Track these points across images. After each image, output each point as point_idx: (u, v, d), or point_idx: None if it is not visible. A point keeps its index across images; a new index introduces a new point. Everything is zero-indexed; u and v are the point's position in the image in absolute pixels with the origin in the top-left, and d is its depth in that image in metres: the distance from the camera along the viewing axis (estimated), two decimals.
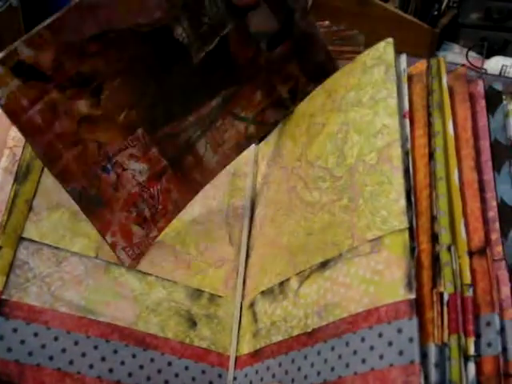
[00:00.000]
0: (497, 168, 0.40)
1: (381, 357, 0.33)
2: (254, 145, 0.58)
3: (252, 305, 0.46)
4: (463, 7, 1.11)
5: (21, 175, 0.44)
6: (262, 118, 0.52)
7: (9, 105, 0.37)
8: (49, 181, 0.44)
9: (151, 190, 0.46)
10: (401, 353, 0.32)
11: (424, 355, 0.32)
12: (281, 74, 0.52)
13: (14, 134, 0.47)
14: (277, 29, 0.50)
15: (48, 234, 0.43)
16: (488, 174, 0.40)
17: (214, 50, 0.47)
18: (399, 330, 0.33)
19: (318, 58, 0.53)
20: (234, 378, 0.43)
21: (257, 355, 0.43)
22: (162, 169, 0.46)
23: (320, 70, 0.53)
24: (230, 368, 0.44)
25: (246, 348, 0.44)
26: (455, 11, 1.12)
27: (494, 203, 0.38)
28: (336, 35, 0.77)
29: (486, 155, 0.40)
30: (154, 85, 0.44)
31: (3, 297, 0.39)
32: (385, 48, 0.44)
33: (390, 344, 0.33)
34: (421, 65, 0.43)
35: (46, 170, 0.45)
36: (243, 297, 0.48)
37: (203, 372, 0.43)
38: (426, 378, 0.31)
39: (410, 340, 0.32)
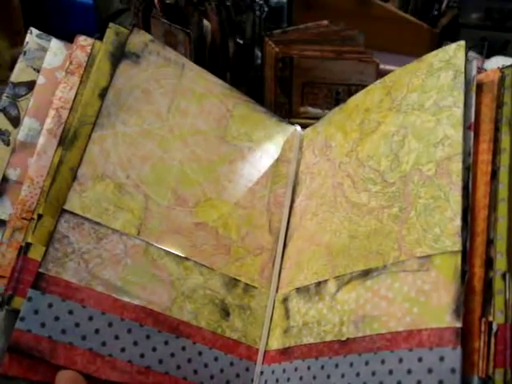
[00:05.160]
0: None
1: (418, 382, 0.32)
2: (299, 130, 0.56)
3: (285, 300, 0.45)
4: (463, 7, 1.10)
5: (67, 141, 0.43)
6: None
7: None
8: (96, 149, 0.43)
9: None
10: (441, 382, 0.31)
11: None
12: None
13: (61, 95, 0.46)
14: None
15: (90, 207, 0.42)
16: None
17: None
18: (441, 358, 0.31)
19: None
20: (261, 373, 0.43)
21: (286, 353, 0.42)
22: None
23: None
24: (258, 361, 0.44)
25: (276, 343, 0.44)
26: (455, 11, 1.11)
27: None
28: (336, 35, 0.77)
29: None
30: None
31: (41, 270, 0.39)
32: (455, 51, 0.41)
33: (430, 371, 0.32)
34: (493, 73, 0.40)
35: (92, 137, 0.44)
36: (277, 289, 0.47)
37: (231, 364, 0.43)
38: None
39: (452, 371, 0.31)
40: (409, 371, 0.33)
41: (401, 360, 0.33)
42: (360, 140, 0.46)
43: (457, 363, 0.31)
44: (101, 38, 0.48)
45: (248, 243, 0.48)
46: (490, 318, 0.33)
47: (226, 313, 0.44)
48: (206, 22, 0.70)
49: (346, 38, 0.76)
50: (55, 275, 0.39)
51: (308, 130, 0.55)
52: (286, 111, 0.67)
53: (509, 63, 0.91)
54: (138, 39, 0.49)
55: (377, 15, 1.06)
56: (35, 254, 0.39)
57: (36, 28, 0.50)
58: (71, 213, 0.41)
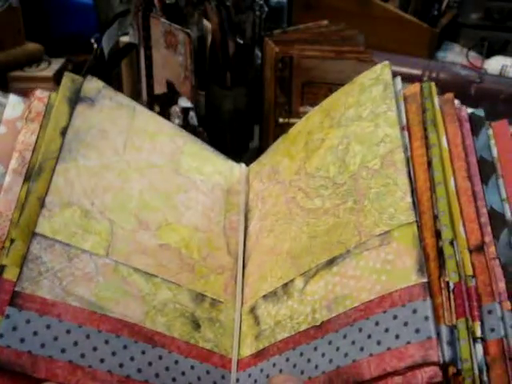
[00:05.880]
0: (485, 181, 0.44)
1: (397, 336, 0.35)
2: (244, 166, 0.61)
3: (253, 309, 0.47)
4: (463, 7, 1.13)
5: (33, 174, 0.45)
6: None
7: None
8: (60, 180, 0.45)
9: None
10: (417, 331, 0.34)
11: (437, 334, 0.34)
12: None
13: (23, 139, 0.48)
14: None
15: (60, 231, 0.43)
16: (477, 186, 0.43)
17: None
18: (414, 311, 0.35)
19: None
20: (237, 380, 0.44)
21: (260, 355, 0.44)
22: None
23: None
24: (233, 370, 0.45)
25: (248, 350, 0.45)
26: (455, 11, 1.14)
27: (485, 210, 0.42)
28: (336, 35, 0.79)
29: (474, 170, 0.44)
30: None
31: (16, 289, 0.39)
32: (382, 70, 0.48)
33: (406, 324, 0.35)
34: (414, 87, 0.48)
35: (57, 169, 0.46)
36: (242, 303, 0.49)
37: (208, 372, 0.44)
38: (442, 353, 0.33)
39: (426, 318, 0.34)
40: (386, 330, 0.36)
41: (377, 323, 0.36)
42: (307, 158, 0.51)
43: (428, 311, 0.34)
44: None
45: (210, 263, 0.50)
46: (447, 279, 0.37)
47: (196, 325, 0.45)
48: (206, 21, 0.71)
49: (346, 38, 0.77)
50: (31, 293, 0.39)
51: (253, 164, 0.60)
52: (285, 111, 0.69)
53: (509, 63, 0.97)
54: (92, 85, 0.53)
55: (377, 15, 1.07)
56: (10, 274, 0.39)
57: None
58: (42, 235, 0.42)
